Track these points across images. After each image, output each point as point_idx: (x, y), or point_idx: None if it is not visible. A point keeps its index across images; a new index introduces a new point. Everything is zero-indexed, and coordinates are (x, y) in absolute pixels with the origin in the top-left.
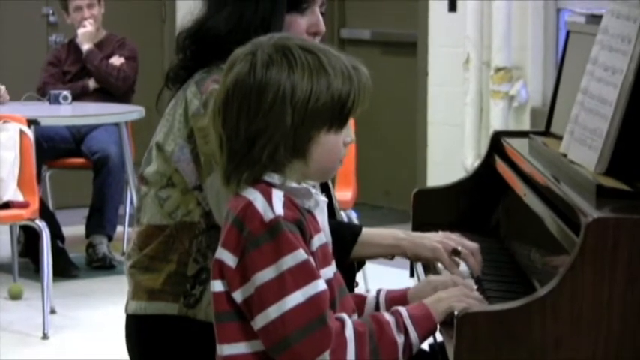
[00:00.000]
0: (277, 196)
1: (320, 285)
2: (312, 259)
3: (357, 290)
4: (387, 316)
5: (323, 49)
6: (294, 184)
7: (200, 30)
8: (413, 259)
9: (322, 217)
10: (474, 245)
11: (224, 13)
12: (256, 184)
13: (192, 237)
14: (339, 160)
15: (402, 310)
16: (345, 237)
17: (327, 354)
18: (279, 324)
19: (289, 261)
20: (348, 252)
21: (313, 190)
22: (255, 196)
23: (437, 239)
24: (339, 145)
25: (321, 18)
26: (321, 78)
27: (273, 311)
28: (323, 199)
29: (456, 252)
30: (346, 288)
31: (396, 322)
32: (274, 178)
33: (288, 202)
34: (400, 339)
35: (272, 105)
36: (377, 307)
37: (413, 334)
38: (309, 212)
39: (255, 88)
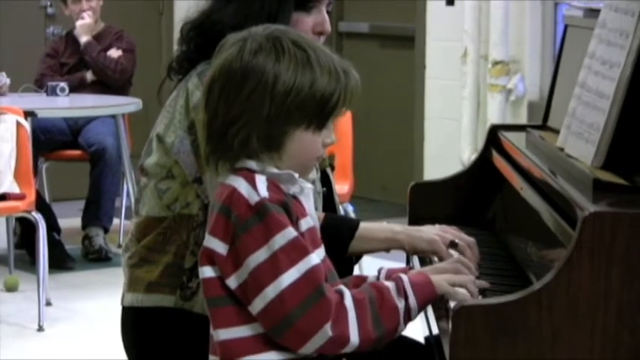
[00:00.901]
0: (261, 180)
1: (313, 259)
2: (301, 237)
3: None
4: (387, 283)
5: (315, 47)
6: (275, 170)
7: (205, 23)
8: (410, 253)
9: (308, 203)
10: (471, 239)
11: (230, 7)
12: (238, 171)
13: (190, 229)
14: (316, 158)
15: (403, 275)
16: (342, 232)
17: (328, 326)
18: (277, 303)
19: (280, 240)
20: (345, 247)
21: (297, 176)
22: (238, 182)
23: (434, 232)
24: (317, 145)
25: (327, 18)
26: (306, 74)
27: (270, 292)
28: (308, 186)
29: (453, 244)
30: (336, 274)
31: (396, 287)
32: (252, 164)
33: (272, 186)
34: (401, 304)
35: (252, 92)
36: None
37: (412, 299)
38: (295, 197)
39: (239, 74)
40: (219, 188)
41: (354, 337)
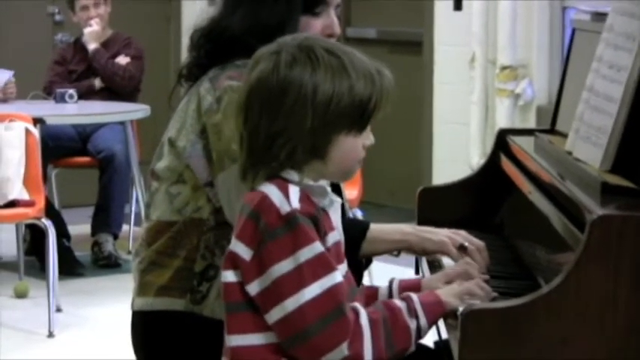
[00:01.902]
0: (294, 190)
1: (337, 277)
2: (327, 253)
3: None
4: (398, 302)
5: (347, 52)
6: (311, 182)
7: (215, 29)
8: (420, 254)
9: (336, 217)
10: (480, 243)
11: (239, 13)
12: (273, 179)
13: (201, 233)
14: (358, 161)
15: (413, 295)
16: (354, 234)
17: (345, 345)
18: (297, 316)
19: (307, 253)
20: (357, 249)
21: (329, 189)
22: (271, 190)
23: (444, 234)
24: (359, 148)
25: (336, 20)
26: (344, 81)
27: (290, 304)
28: (337, 199)
29: (462, 248)
30: (357, 288)
31: (407, 308)
32: (292, 175)
33: (305, 197)
34: (412, 324)
35: (293, 106)
36: (390, 297)
37: (423, 320)
38: (324, 210)
39: (278, 88)
40: (250, 193)
41: (368, 356)
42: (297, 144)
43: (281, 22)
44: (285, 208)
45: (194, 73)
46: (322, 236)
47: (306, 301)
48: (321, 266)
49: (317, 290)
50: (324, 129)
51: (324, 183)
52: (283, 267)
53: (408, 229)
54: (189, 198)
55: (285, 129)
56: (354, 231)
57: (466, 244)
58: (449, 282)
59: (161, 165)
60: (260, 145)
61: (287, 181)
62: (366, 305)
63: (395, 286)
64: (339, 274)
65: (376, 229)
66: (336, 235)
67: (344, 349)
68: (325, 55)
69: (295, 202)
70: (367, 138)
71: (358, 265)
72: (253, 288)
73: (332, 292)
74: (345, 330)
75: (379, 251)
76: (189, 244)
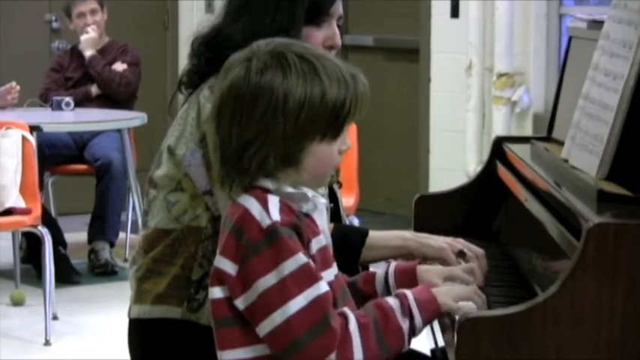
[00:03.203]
0: (273, 201)
1: (322, 287)
2: (312, 262)
3: None
4: (391, 301)
5: (320, 57)
6: (289, 189)
7: (216, 37)
8: (419, 260)
9: (321, 220)
10: (480, 250)
11: (241, 22)
12: (252, 190)
13: (199, 242)
14: (333, 167)
15: (408, 292)
16: (353, 241)
17: (333, 355)
18: (284, 329)
19: (290, 265)
20: (357, 256)
21: (310, 194)
22: (251, 204)
23: (443, 240)
24: (333, 154)
25: (337, 32)
26: (315, 86)
27: (277, 317)
28: (322, 201)
29: (461, 254)
30: (348, 291)
31: (401, 306)
32: (268, 183)
33: (285, 207)
34: (405, 324)
35: (264, 113)
36: (386, 280)
37: (417, 318)
38: (307, 215)
39: (249, 95)
40: (232, 206)
41: None
42: (269, 152)
43: (283, 32)
44: (265, 222)
45: (194, 80)
46: (306, 244)
47: (292, 314)
48: (304, 278)
49: (302, 302)
50: (296, 136)
51: (306, 188)
52: (267, 281)
53: (407, 235)
54: (187, 206)
55: (256, 137)
56: (353, 238)
57: (465, 250)
58: (448, 279)
59: (159, 173)
60: (232, 153)
61: (265, 190)
62: (362, 290)
63: (391, 270)
64: (324, 283)
65: (375, 235)
66: (322, 240)
67: (332, 357)
68: (297, 60)
69: (275, 214)
70: (343, 143)
71: (355, 273)
72: (241, 303)
73: (317, 302)
74: (332, 341)
75: (378, 257)
76: (187, 252)
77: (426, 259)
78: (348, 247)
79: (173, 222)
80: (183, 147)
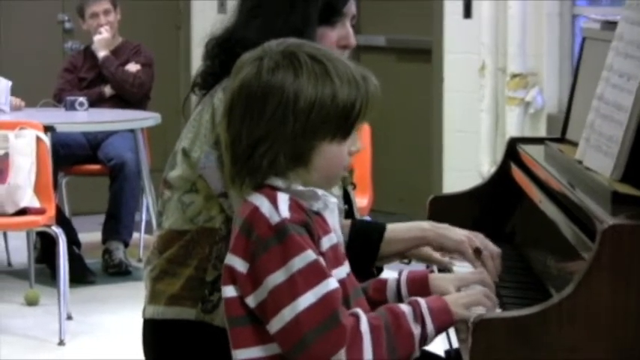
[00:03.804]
0: (283, 199)
1: (331, 284)
2: (321, 259)
3: None
4: (404, 307)
5: (332, 58)
6: (299, 187)
7: (230, 39)
8: (437, 250)
9: (332, 218)
10: (496, 249)
11: (255, 23)
12: (261, 189)
13: (213, 243)
14: (343, 168)
15: (421, 300)
16: (371, 237)
17: (342, 352)
18: (294, 325)
19: (298, 262)
20: (376, 251)
21: (320, 192)
22: (261, 201)
23: (463, 233)
24: (343, 155)
25: (351, 31)
26: (326, 87)
27: (287, 313)
28: (333, 200)
29: (477, 251)
30: (361, 290)
31: (413, 312)
32: (278, 182)
33: (295, 205)
34: (417, 330)
35: (274, 112)
36: (398, 288)
37: (429, 326)
38: (318, 214)
39: (260, 94)
40: (242, 205)
41: None
42: (279, 151)
43: (297, 33)
44: (274, 219)
45: (208, 82)
46: (316, 241)
47: (301, 310)
48: (313, 274)
49: (311, 299)
50: (306, 135)
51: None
52: (277, 278)
53: (426, 226)
54: (201, 207)
55: (267, 135)
56: (371, 234)
57: (482, 248)
58: (461, 286)
59: (174, 174)
60: (242, 152)
61: (275, 189)
62: (373, 298)
63: (403, 278)
64: (333, 280)
65: (393, 228)
66: (334, 238)
67: (341, 356)
68: (308, 60)
69: (285, 212)
70: (353, 144)
71: (370, 276)
72: (252, 300)
73: (326, 299)
74: (341, 338)
75: (396, 251)
76: (201, 253)
77: (443, 250)
78: (367, 245)
79: (187, 223)
80: (197, 149)
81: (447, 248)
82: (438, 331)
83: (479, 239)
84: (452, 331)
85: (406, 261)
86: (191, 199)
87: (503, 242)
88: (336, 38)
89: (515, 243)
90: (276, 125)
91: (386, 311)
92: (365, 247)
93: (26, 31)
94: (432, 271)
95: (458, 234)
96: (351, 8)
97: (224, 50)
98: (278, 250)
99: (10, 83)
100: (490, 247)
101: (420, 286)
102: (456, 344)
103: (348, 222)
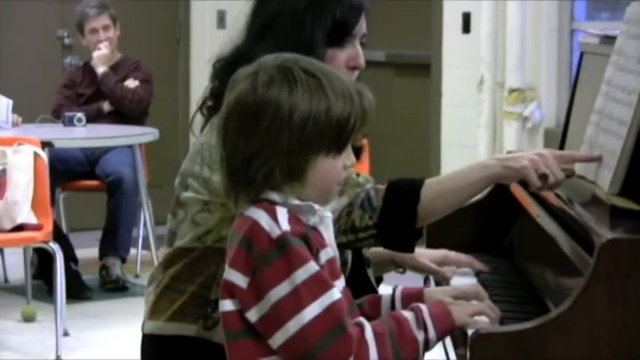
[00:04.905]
0: (282, 212)
1: (335, 294)
2: (322, 271)
3: None
4: (406, 313)
5: (327, 73)
6: (296, 201)
7: (238, 60)
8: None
9: (328, 233)
10: (560, 175)
11: (263, 45)
12: (259, 203)
13: (220, 262)
14: (338, 183)
15: (422, 306)
16: (410, 196)
17: None
18: (299, 338)
19: (302, 274)
20: (414, 215)
21: (316, 207)
22: (259, 215)
23: (528, 157)
24: (338, 169)
25: (361, 52)
26: (321, 101)
27: (292, 326)
28: (328, 215)
29: (544, 176)
30: (355, 305)
31: (416, 318)
32: (274, 196)
33: (293, 218)
34: (420, 336)
35: (269, 127)
36: (392, 304)
37: (431, 332)
38: (314, 228)
39: (254, 108)
40: (239, 219)
41: None
42: (274, 165)
43: (306, 55)
44: (275, 232)
45: (215, 102)
46: (315, 254)
47: (307, 322)
48: (317, 285)
49: (317, 309)
50: (301, 150)
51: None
52: (280, 290)
53: (489, 161)
54: (212, 227)
55: (261, 150)
56: (411, 194)
57: (547, 171)
58: (456, 297)
59: (187, 194)
60: (238, 166)
61: (273, 203)
62: (368, 314)
63: (398, 294)
64: (337, 290)
65: (453, 175)
66: (330, 252)
67: None
68: (303, 75)
69: (285, 225)
70: (347, 158)
71: (369, 287)
72: (253, 315)
73: (332, 309)
74: (349, 346)
75: (466, 196)
76: (207, 272)
77: (507, 181)
78: (404, 205)
79: (195, 241)
80: (207, 170)
81: (510, 179)
82: (441, 335)
83: (543, 161)
84: (449, 344)
85: (401, 270)
86: (204, 219)
87: (502, 257)
88: (346, 59)
89: (514, 257)
90: (271, 140)
91: (389, 318)
92: (402, 211)
93: (25, 46)
94: (426, 287)
95: (519, 161)
96: (362, 28)
97: (232, 71)
98: (281, 262)
99: (10, 102)
100: (556, 172)
101: (415, 300)
102: (453, 358)
103: (383, 187)
